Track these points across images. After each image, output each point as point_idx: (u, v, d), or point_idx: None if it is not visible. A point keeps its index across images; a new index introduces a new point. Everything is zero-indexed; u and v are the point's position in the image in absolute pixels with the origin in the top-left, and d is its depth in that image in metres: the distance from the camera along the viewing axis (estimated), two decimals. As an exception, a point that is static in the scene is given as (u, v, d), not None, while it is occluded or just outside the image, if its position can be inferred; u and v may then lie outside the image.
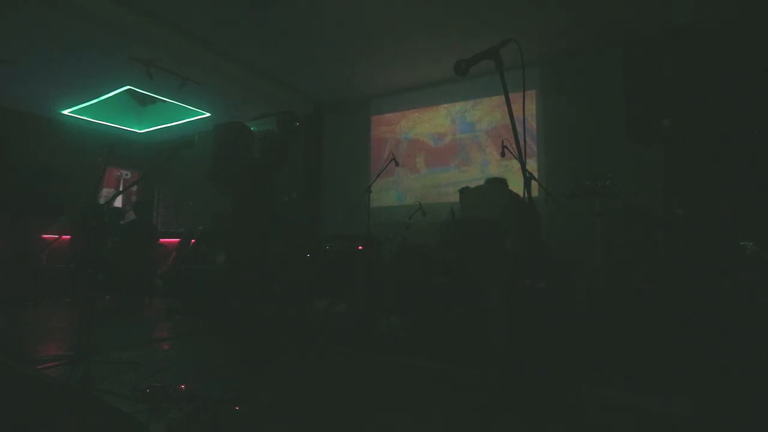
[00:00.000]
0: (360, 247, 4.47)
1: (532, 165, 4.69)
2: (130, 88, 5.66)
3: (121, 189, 7.12)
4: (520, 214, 2.67)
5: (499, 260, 2.63)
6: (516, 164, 4.47)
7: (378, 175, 4.53)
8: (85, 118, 6.68)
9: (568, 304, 3.12)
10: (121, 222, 5.80)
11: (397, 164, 4.49)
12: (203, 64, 4.76)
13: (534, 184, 3.86)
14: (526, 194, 1.57)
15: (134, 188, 7.92)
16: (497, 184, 3.26)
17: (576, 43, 4.40)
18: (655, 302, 2.81)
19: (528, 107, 4.74)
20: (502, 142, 3.82)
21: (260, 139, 5.81)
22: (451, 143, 5.47)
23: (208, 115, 6.53)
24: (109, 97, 5.99)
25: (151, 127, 7.31)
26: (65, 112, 6.48)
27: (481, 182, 3.33)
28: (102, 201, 6.53)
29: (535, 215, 3.13)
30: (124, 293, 5.27)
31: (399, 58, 4.82)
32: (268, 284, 3.03)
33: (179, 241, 6.15)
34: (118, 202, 7.61)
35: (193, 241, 5.86)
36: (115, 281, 5.23)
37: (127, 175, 7.73)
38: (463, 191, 3.54)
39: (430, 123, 5.64)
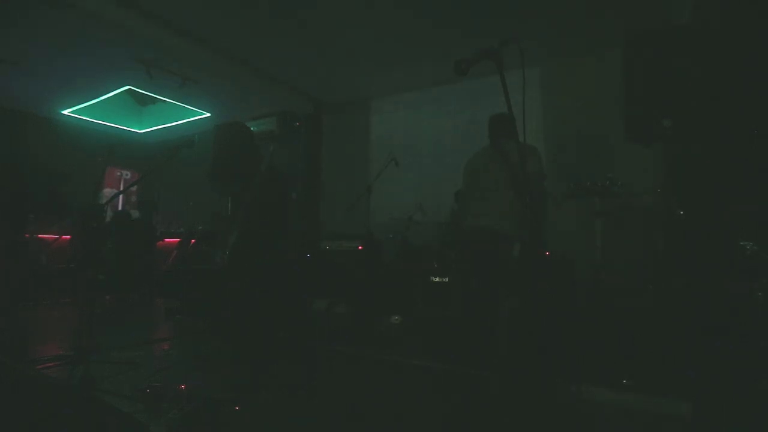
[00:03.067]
0: (360, 247, 4.48)
1: (532, 165, 4.68)
2: (130, 88, 5.66)
3: (121, 189, 7.12)
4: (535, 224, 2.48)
5: (510, 274, 2.49)
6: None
7: (378, 175, 4.53)
8: (85, 118, 6.68)
9: (568, 304, 3.12)
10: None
11: (397, 164, 4.48)
12: (203, 64, 4.76)
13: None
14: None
15: (134, 188, 7.92)
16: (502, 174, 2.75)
17: (576, 43, 4.40)
18: (655, 302, 2.81)
19: (528, 107, 4.74)
20: (502, 142, 3.81)
21: (260, 139, 5.82)
22: (451, 143, 5.47)
23: (208, 115, 6.53)
24: (109, 97, 5.99)
25: (151, 127, 7.31)
26: (65, 112, 6.48)
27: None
28: (103, 201, 6.53)
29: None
30: (124, 293, 5.27)
31: (399, 58, 4.82)
32: (268, 284, 3.02)
33: (179, 241, 6.15)
34: (119, 204, 7.62)
35: (193, 241, 5.86)
36: (115, 281, 5.23)
37: (127, 175, 7.73)
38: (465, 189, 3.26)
39: (431, 123, 5.64)
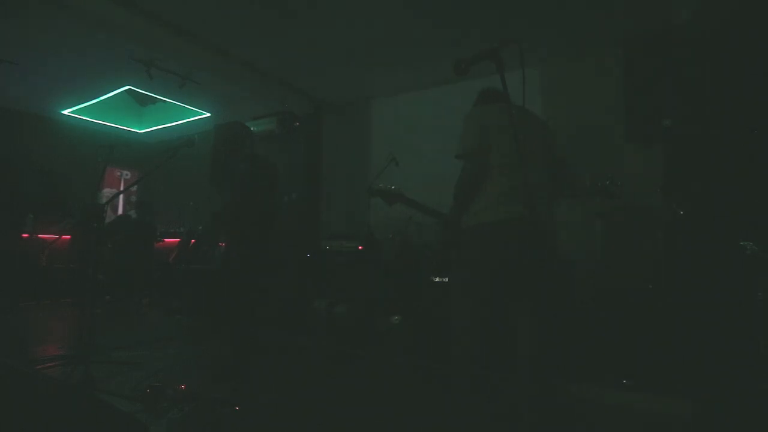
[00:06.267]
0: (360, 247, 4.48)
1: (532, 165, 4.67)
2: (130, 88, 5.66)
3: (121, 189, 7.12)
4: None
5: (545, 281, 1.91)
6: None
7: (378, 175, 4.53)
8: (85, 118, 6.68)
9: (568, 304, 3.12)
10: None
11: (397, 164, 4.48)
12: (203, 64, 4.75)
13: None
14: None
15: (134, 188, 7.93)
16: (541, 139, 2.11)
17: (576, 43, 4.39)
18: (655, 302, 2.81)
19: (528, 107, 4.73)
20: (502, 142, 3.80)
21: (260, 139, 5.82)
22: (451, 143, 5.47)
23: (208, 115, 6.53)
24: (109, 97, 5.99)
25: (151, 127, 7.31)
26: (65, 112, 6.48)
27: None
28: (103, 201, 6.53)
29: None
30: (124, 293, 5.27)
31: (399, 58, 4.82)
32: (268, 283, 3.03)
33: (179, 241, 6.16)
34: (120, 204, 7.62)
35: (193, 241, 5.86)
36: (114, 281, 5.23)
37: (127, 175, 7.74)
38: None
39: (431, 123, 5.63)
